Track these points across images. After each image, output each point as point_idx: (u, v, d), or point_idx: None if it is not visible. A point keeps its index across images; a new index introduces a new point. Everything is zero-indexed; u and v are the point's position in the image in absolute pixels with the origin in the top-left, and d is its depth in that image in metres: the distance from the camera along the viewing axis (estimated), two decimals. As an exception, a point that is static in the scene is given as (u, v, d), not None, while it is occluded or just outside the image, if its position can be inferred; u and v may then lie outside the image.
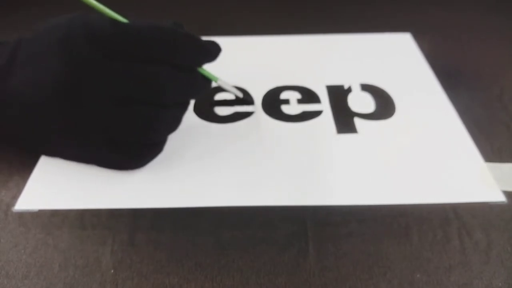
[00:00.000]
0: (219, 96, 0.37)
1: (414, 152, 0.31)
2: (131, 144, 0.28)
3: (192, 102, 0.36)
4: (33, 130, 0.28)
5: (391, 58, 0.42)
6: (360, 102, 0.36)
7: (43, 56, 0.27)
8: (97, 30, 0.26)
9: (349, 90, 0.38)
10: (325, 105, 0.36)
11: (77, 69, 0.26)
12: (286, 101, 0.36)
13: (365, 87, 0.38)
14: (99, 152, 0.29)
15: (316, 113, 0.35)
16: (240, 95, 0.35)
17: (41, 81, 0.26)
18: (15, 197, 0.28)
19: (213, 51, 0.29)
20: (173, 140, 0.32)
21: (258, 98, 0.37)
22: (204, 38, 0.30)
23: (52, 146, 0.30)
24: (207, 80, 0.31)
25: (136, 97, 0.27)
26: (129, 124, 0.27)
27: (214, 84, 0.33)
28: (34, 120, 0.28)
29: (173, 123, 0.30)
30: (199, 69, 0.30)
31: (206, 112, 0.35)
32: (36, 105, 0.27)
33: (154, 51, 0.26)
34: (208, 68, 0.31)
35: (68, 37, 0.26)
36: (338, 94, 0.37)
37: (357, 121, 0.34)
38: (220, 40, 0.45)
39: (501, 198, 0.28)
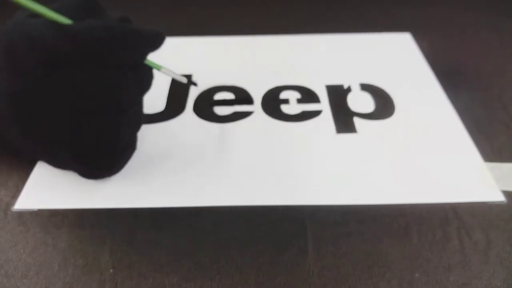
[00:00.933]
0: (218, 96, 0.37)
1: (413, 152, 0.31)
2: (96, 154, 0.27)
3: (191, 102, 0.36)
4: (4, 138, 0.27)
5: (391, 58, 0.42)
6: (360, 101, 0.36)
7: None
8: (39, 38, 0.24)
9: (348, 89, 0.38)
10: (324, 105, 0.36)
11: (24, 82, 0.25)
12: (286, 101, 0.36)
13: (365, 87, 0.38)
14: (69, 164, 0.28)
15: (316, 113, 0.35)
16: (184, 80, 0.33)
17: None
18: (15, 196, 0.28)
19: (157, 42, 0.27)
20: (173, 140, 0.32)
21: (258, 98, 0.37)
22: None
23: (28, 153, 0.29)
24: (151, 69, 0.29)
25: (93, 107, 0.26)
26: (91, 136, 0.26)
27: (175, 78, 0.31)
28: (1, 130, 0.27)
29: (136, 122, 0.29)
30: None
31: (206, 112, 0.35)
32: None
33: (103, 53, 0.25)
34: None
35: (10, 48, 0.25)
36: (338, 94, 0.37)
37: (357, 120, 0.34)
38: (220, 39, 0.46)
39: (500, 198, 0.28)
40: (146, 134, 0.32)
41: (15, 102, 0.26)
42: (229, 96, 0.37)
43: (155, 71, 0.28)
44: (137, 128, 0.29)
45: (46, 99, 0.25)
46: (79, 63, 0.25)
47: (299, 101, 0.36)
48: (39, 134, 0.26)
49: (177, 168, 0.30)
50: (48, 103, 0.25)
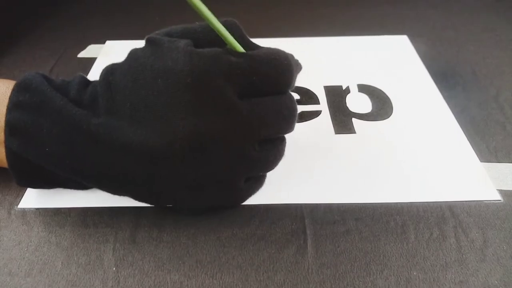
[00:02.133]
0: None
1: (411, 152, 0.32)
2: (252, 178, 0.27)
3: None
4: (144, 184, 0.24)
5: (389, 60, 0.42)
6: (358, 102, 0.37)
7: (162, 103, 0.23)
8: (234, 66, 0.22)
9: (347, 91, 0.38)
10: (323, 106, 0.36)
11: (218, 115, 0.22)
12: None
13: (363, 88, 0.38)
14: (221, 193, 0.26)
15: (315, 113, 0.35)
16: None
17: (166, 131, 0.22)
18: (19, 195, 0.29)
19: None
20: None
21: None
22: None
23: (166, 197, 0.26)
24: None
25: (273, 134, 0.25)
26: (269, 163, 0.25)
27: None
28: (150, 174, 0.24)
29: None
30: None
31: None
32: (157, 158, 0.23)
33: (282, 82, 0.24)
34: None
35: (202, 79, 0.22)
36: (336, 95, 0.38)
37: (355, 121, 0.35)
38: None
39: (496, 197, 0.28)
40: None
41: (202, 141, 0.23)
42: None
43: None
44: None
45: (238, 133, 0.23)
46: (257, 91, 0.24)
47: (298, 102, 0.37)
48: (213, 168, 0.24)
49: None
50: (238, 137, 0.23)
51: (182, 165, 0.23)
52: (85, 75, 0.27)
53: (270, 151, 0.25)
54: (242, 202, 0.28)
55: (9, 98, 0.24)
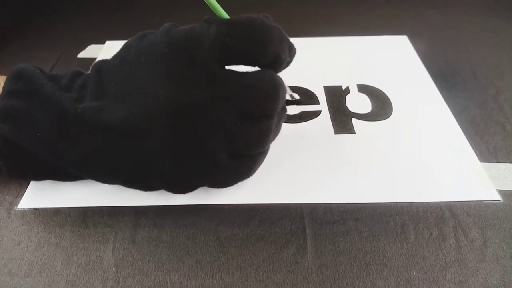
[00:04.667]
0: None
1: (410, 152, 0.32)
2: (245, 156, 0.26)
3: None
4: (135, 161, 0.24)
5: (388, 60, 0.42)
6: (358, 103, 0.37)
7: (144, 76, 0.23)
8: (209, 33, 0.23)
9: (347, 91, 0.38)
10: (323, 106, 0.36)
11: (196, 83, 0.23)
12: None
13: (363, 88, 0.38)
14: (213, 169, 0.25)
15: (315, 114, 0.35)
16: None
17: (147, 103, 0.23)
18: (18, 195, 0.29)
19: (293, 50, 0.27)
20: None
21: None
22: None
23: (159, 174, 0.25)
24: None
25: (255, 110, 0.24)
26: (252, 140, 0.25)
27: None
28: (137, 151, 0.24)
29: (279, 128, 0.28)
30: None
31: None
32: (140, 131, 0.23)
33: (258, 42, 0.24)
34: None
35: (179, 49, 0.23)
36: (336, 95, 0.38)
37: (355, 121, 0.35)
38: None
39: (496, 197, 0.28)
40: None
41: (184, 113, 0.23)
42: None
43: None
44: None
45: (212, 110, 0.23)
46: (236, 61, 0.24)
47: (298, 102, 0.37)
48: (195, 141, 0.23)
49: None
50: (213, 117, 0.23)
51: (163, 136, 0.23)
52: (81, 69, 0.28)
53: (253, 127, 0.24)
54: (227, 184, 0.27)
55: (3, 87, 0.25)
